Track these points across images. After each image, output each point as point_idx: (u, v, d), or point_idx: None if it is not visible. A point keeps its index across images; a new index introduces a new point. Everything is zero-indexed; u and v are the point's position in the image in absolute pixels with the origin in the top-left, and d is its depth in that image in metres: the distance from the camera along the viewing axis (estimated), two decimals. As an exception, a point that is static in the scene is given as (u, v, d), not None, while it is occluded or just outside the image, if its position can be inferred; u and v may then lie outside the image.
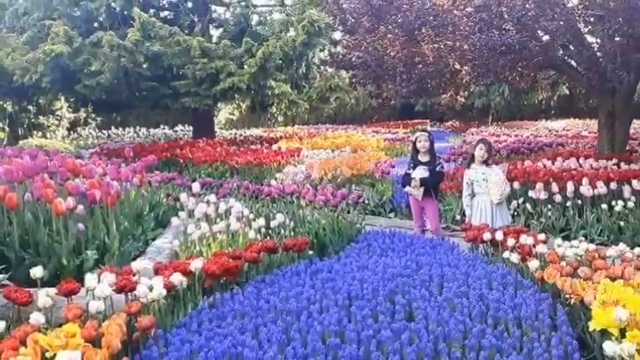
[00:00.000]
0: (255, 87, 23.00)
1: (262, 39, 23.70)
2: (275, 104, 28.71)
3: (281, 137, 27.20)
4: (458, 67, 15.38)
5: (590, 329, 4.30)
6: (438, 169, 8.98)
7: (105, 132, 36.00)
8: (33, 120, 33.50)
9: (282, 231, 7.95)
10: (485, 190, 8.61)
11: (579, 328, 4.74)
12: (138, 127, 36.36)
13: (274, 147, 21.86)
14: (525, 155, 18.26)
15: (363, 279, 5.60)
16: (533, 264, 5.85)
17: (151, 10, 25.22)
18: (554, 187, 10.67)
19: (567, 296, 5.03)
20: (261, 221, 7.82)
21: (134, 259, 6.75)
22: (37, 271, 5.14)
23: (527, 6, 12.31)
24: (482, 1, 12.56)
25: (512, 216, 10.04)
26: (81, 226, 6.76)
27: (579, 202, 10.43)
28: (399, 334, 4.30)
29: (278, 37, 23.08)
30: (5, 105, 30.34)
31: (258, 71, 22.17)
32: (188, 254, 6.89)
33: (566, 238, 8.84)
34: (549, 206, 10.53)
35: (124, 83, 22.76)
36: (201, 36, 23.55)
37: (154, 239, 7.94)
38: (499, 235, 6.97)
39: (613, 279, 5.03)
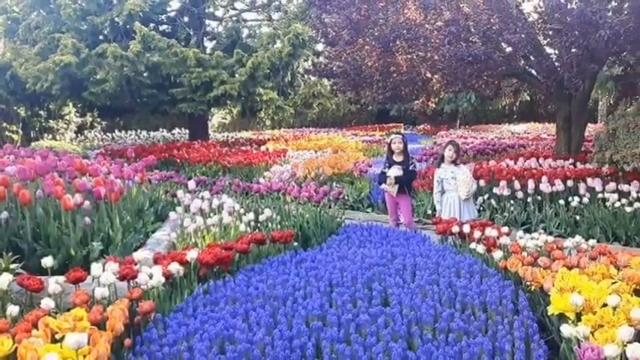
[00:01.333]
0: (245, 94, 23.21)
1: (252, 50, 23.85)
2: (263, 109, 28.72)
3: (269, 139, 27.18)
4: (429, 75, 15.40)
5: (549, 313, 4.30)
6: (411, 168, 8.98)
7: (109, 135, 35.97)
8: (44, 124, 33.30)
9: (270, 224, 7.95)
10: (453, 188, 8.61)
11: (539, 312, 4.73)
12: (139, 130, 36.37)
13: (263, 148, 21.86)
14: (490, 156, 18.32)
15: (343, 268, 5.58)
16: (498, 254, 5.85)
17: (151, 24, 25.27)
18: (517, 185, 10.72)
19: (528, 283, 5.04)
20: (251, 215, 7.80)
21: (135, 249, 6.72)
22: (47, 261, 5.15)
23: (491, 20, 12.34)
24: (451, 16, 12.58)
25: (479, 211, 10.05)
26: (87, 219, 6.74)
27: (539, 198, 10.47)
28: (375, 318, 4.28)
29: (266, 48, 23.19)
30: (19, 110, 30.28)
31: (248, 79, 22.32)
32: (184, 245, 6.85)
33: (527, 230, 8.88)
34: (512, 202, 10.56)
35: (127, 90, 22.92)
36: (196, 47, 23.65)
37: (153, 232, 7.89)
38: (466, 228, 6.98)
39: (570, 268, 5.03)
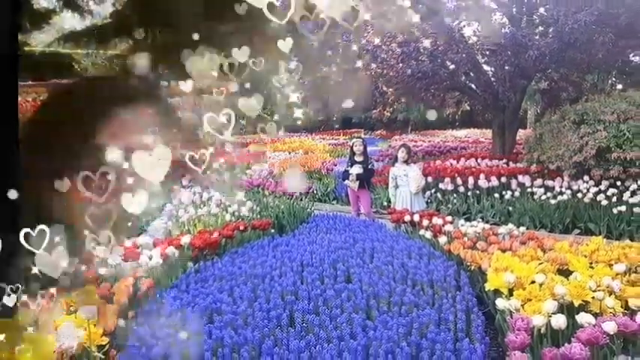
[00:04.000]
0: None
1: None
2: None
3: (250, 142, 27.03)
4: (385, 89, 15.45)
5: (486, 289, 4.36)
6: (370, 167, 9.01)
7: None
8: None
9: (251, 214, 7.94)
10: (406, 183, 8.65)
11: (478, 288, 4.80)
12: (138, 134, 36.05)
13: (245, 150, 21.75)
14: (436, 156, 18.34)
15: (313, 251, 5.60)
16: (443, 239, 5.90)
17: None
18: (459, 181, 10.81)
19: (468, 264, 5.09)
20: (235, 207, 7.80)
21: (138, 235, 6.71)
22: (63, 245, 5.15)
23: (437, 42, 12.42)
24: (403, 39, 12.63)
25: (427, 203, 10.09)
26: (96, 210, 6.71)
27: (478, 192, 10.56)
28: (340, 293, 4.31)
29: (247, 64, 23.12)
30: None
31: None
32: (179, 232, 6.85)
33: (468, 219, 8.95)
34: (455, 195, 10.65)
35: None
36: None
37: (153, 220, 7.89)
38: (416, 217, 7.04)
39: (503, 251, 5.10)
